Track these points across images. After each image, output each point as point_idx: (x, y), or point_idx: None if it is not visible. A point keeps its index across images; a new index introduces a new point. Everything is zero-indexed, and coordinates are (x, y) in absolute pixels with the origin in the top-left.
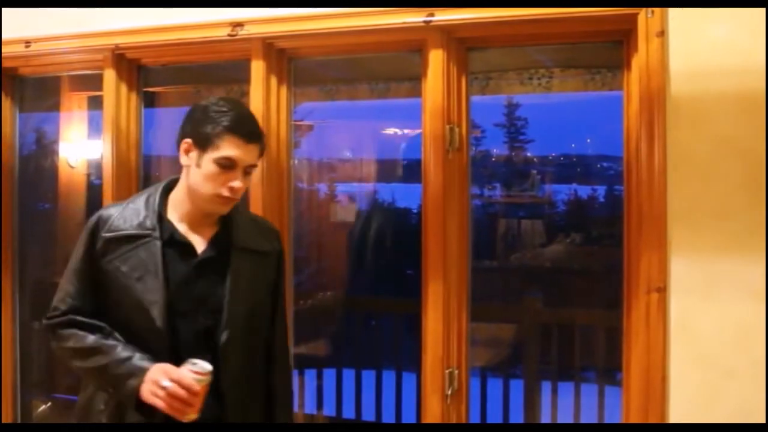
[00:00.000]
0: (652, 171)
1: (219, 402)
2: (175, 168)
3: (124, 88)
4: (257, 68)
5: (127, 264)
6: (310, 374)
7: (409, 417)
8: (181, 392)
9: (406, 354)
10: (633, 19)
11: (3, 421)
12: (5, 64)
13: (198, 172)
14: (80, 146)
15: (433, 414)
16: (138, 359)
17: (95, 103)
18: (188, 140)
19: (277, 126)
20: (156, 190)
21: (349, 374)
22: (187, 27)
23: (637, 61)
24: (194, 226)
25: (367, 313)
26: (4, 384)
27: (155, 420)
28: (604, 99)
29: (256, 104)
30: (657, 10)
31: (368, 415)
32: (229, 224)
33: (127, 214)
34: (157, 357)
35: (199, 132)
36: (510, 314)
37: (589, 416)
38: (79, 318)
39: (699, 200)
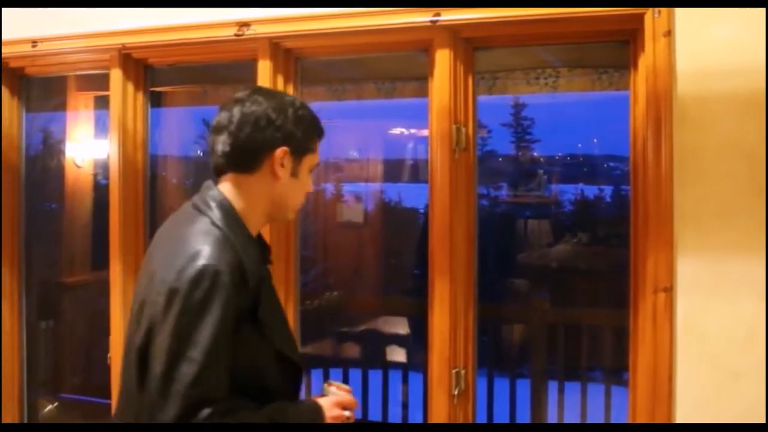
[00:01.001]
0: (659, 171)
1: None
2: (186, 168)
3: (130, 88)
4: (264, 68)
5: (269, 308)
6: (317, 374)
7: (415, 417)
8: (353, 414)
9: (414, 354)
10: (640, 19)
11: (11, 421)
12: (12, 64)
13: (293, 183)
14: (87, 146)
15: (439, 414)
16: (298, 405)
17: (102, 103)
18: (285, 148)
19: None
20: (223, 206)
21: (355, 374)
22: (194, 27)
23: (644, 61)
24: None
25: (375, 313)
26: (11, 384)
27: None
28: (611, 99)
29: None
30: (664, 10)
31: (375, 415)
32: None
33: (243, 251)
34: (292, 393)
35: (296, 137)
36: (517, 314)
37: (595, 416)
38: (234, 401)
39: (705, 200)
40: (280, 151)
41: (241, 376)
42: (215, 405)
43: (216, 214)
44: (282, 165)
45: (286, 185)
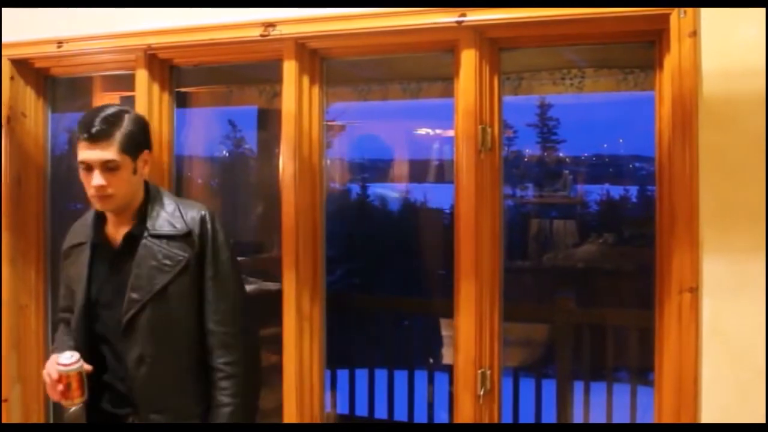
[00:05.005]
0: (685, 171)
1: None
2: (211, 168)
3: (156, 89)
4: (289, 68)
5: (72, 269)
6: (342, 374)
7: (441, 417)
8: (47, 379)
9: (439, 354)
10: (665, 20)
11: (36, 421)
12: (38, 64)
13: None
14: None
15: (465, 414)
16: (54, 352)
17: (127, 104)
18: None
19: (309, 126)
20: None
21: (381, 374)
22: (220, 27)
23: (670, 62)
24: (116, 225)
25: (399, 314)
26: (36, 383)
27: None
28: (637, 99)
29: (288, 104)
30: (689, 10)
31: (400, 415)
32: (145, 216)
33: (77, 226)
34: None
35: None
36: (542, 314)
37: (621, 416)
38: (64, 315)
39: (731, 200)
40: None
41: None
42: (58, 311)
43: None
44: None
45: None
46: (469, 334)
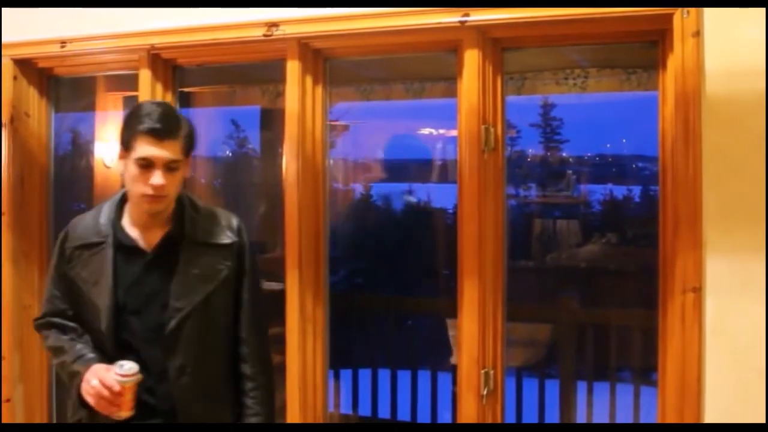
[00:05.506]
0: (688, 171)
1: (170, 391)
2: (214, 168)
3: (159, 89)
4: (293, 68)
5: (86, 270)
6: (345, 374)
7: (444, 417)
8: (105, 392)
9: (443, 354)
10: (668, 20)
11: (39, 421)
12: (41, 64)
13: (127, 175)
14: (116, 146)
15: (468, 414)
16: (82, 360)
17: (131, 104)
18: (120, 146)
19: (313, 126)
20: (114, 197)
21: (384, 374)
22: (223, 27)
23: (673, 62)
24: (146, 228)
25: (402, 314)
26: (40, 382)
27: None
28: (640, 99)
29: (291, 104)
30: (692, 10)
31: (403, 415)
32: (181, 221)
33: (86, 224)
34: (107, 355)
35: (122, 136)
36: (546, 314)
37: (624, 416)
38: (56, 320)
39: (734, 201)
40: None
41: (78, 312)
42: (42, 314)
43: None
44: (120, 160)
45: (125, 178)
46: (473, 334)
